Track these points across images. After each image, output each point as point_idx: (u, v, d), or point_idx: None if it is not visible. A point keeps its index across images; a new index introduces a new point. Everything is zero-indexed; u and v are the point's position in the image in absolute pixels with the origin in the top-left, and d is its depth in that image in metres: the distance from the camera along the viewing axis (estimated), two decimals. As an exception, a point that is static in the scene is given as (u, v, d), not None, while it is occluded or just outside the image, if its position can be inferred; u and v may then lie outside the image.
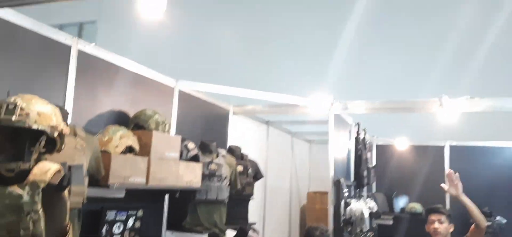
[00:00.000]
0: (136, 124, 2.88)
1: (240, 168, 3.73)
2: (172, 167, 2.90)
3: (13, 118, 1.49)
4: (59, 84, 2.46)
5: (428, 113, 5.05)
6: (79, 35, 8.50)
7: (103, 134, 2.56)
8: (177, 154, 2.97)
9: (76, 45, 2.52)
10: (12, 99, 1.54)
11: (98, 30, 7.91)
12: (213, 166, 3.38)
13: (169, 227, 3.33)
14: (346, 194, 3.72)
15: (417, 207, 5.62)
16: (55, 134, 1.61)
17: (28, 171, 1.55)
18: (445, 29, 3.57)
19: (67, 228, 1.66)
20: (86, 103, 2.66)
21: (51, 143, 1.67)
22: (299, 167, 6.07)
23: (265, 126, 5.11)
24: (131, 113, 3.00)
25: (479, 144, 5.63)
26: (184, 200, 3.25)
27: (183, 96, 3.57)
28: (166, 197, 3.33)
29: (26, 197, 1.48)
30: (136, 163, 2.62)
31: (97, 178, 2.36)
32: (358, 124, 4.62)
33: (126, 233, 2.85)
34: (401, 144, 5.74)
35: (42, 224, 1.50)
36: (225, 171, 3.45)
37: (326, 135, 6.12)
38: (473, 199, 5.04)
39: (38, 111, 1.55)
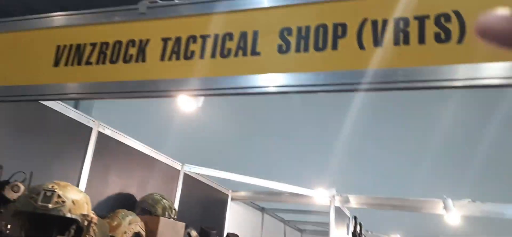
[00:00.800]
0: (143, 208, 2.86)
1: (237, 257, 3.66)
2: (176, 254, 2.84)
3: (50, 205, 1.49)
4: (77, 164, 2.47)
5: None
6: (75, 105, 8.51)
7: (112, 219, 2.52)
8: (180, 242, 2.93)
9: (97, 127, 2.56)
10: (50, 186, 1.55)
11: (94, 102, 7.95)
12: (213, 255, 3.31)
13: None
14: None
15: None
16: (86, 223, 1.60)
17: (56, 260, 1.53)
18: (444, 128, 3.74)
19: None
20: (99, 184, 2.66)
21: (78, 231, 1.66)
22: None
23: (260, 213, 5.08)
24: (138, 194, 2.98)
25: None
26: None
27: (187, 179, 3.59)
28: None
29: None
30: (143, 250, 2.56)
31: (104, 264, 2.30)
32: (355, 217, 4.64)
33: None
34: (393, 240, 5.72)
35: None
36: (225, 261, 3.38)
37: (318, 225, 6.14)
38: None
39: (73, 200, 1.57)
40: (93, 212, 1.68)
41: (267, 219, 5.20)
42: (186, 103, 2.38)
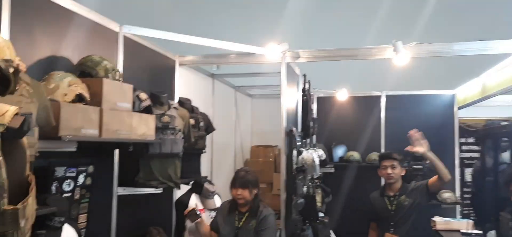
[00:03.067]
0: (82, 71, 2.59)
1: (192, 121, 3.58)
2: (125, 119, 2.67)
3: (-42, 48, 1.22)
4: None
5: (367, 64, 5.25)
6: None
7: (48, 81, 2.27)
8: (130, 105, 2.75)
9: (10, -23, 2.16)
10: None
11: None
12: (165, 118, 3.20)
13: (120, 183, 3.12)
14: (298, 143, 3.74)
15: (355, 155, 5.89)
16: (11, 71, 1.36)
17: (-21, 114, 1.30)
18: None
19: (29, 179, 1.44)
20: (24, 47, 2.32)
21: (2, 83, 1.42)
22: (242, 121, 6.03)
23: (210, 79, 4.95)
24: (74, 60, 2.69)
25: (412, 93, 5.98)
26: (134, 154, 3.05)
27: (128, 43, 3.29)
28: (116, 151, 3.10)
29: (-19, 143, 1.25)
30: (88, 114, 2.37)
31: (45, 130, 2.10)
32: (304, 75, 4.64)
33: (77, 191, 2.61)
34: (342, 95, 5.91)
35: (3, 172, 1.28)
36: (179, 124, 3.29)
37: (267, 88, 6.17)
38: (406, 145, 5.41)
39: (-12, 42, 1.30)
40: (20, 59, 1.42)
41: (217, 85, 5.11)
42: None
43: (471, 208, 5.82)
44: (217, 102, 5.02)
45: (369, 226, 3.70)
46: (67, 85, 2.29)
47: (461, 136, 6.08)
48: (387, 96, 6.08)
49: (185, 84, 4.17)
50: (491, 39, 3.58)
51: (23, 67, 1.41)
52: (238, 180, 3.18)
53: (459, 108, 5.96)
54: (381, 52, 3.46)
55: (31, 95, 1.90)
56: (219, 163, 4.98)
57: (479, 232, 3.95)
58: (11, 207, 1.28)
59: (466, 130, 6.44)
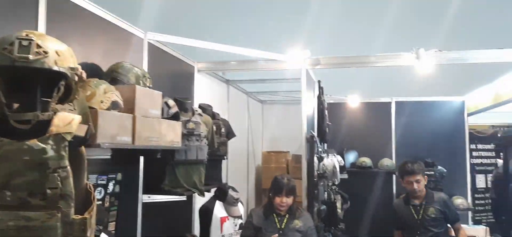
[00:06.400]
0: (113, 78, 2.58)
1: (214, 127, 3.57)
2: (155, 126, 2.66)
3: (30, 57, 1.21)
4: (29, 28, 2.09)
5: (376, 70, 5.26)
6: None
7: (84, 88, 2.24)
8: (159, 112, 2.73)
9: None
10: (23, 34, 1.24)
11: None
12: (191, 125, 3.18)
13: (146, 191, 3.10)
14: (320, 150, 3.74)
15: (367, 161, 5.89)
16: (76, 78, 1.34)
17: (46, 123, 1.29)
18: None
19: (89, 187, 1.43)
20: (59, 53, 2.31)
21: (67, 89, 1.40)
22: (253, 127, 6.02)
23: (225, 85, 4.94)
24: (103, 66, 2.68)
25: (422, 99, 6.01)
26: (160, 161, 3.03)
27: (152, 49, 3.29)
28: (141, 158, 3.08)
29: (50, 152, 1.23)
30: (122, 121, 2.35)
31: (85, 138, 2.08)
32: (319, 81, 4.65)
33: (107, 198, 2.60)
34: (353, 102, 5.92)
35: (71, 181, 1.27)
36: (203, 130, 3.27)
37: (278, 94, 6.18)
38: (417, 151, 5.41)
39: (57, 50, 1.28)
40: (80, 66, 1.41)
41: (232, 91, 5.10)
42: None
43: (483, 214, 5.84)
44: (232, 108, 5.01)
45: (395, 235, 3.66)
46: (103, 92, 2.27)
47: (471, 142, 6.11)
48: (397, 103, 6.11)
49: (203, 90, 4.17)
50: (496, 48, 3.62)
51: (85, 75, 1.39)
52: (285, 188, 3.08)
53: (469, 115, 5.99)
54: (402, 59, 3.48)
55: (74, 102, 1.88)
56: (235, 169, 4.96)
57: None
58: (80, 216, 1.27)
59: (478, 136, 6.47)
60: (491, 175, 6.24)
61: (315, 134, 4.53)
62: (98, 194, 2.51)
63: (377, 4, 3.52)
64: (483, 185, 6.31)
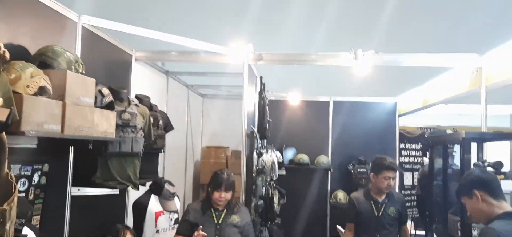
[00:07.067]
0: (42, 61, 2.40)
1: (151, 119, 3.45)
2: (87, 114, 2.51)
3: None
4: None
5: (316, 69, 5.39)
6: None
7: (8, 71, 2.06)
8: (92, 100, 2.59)
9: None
10: None
11: None
12: (126, 116, 3.05)
13: (75, 183, 2.92)
14: (260, 145, 3.75)
15: (305, 158, 6.03)
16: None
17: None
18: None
19: (9, 177, 1.31)
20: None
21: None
22: (193, 121, 5.93)
23: (164, 77, 4.81)
24: (32, 49, 2.48)
25: (357, 100, 6.25)
26: (92, 153, 2.87)
27: (86, 34, 3.10)
28: (71, 149, 2.90)
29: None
30: (51, 108, 2.20)
31: (6, 123, 1.91)
32: (261, 77, 4.67)
33: (31, 190, 2.42)
34: (293, 99, 6.02)
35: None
36: (139, 122, 3.15)
37: (219, 88, 6.13)
38: (351, 149, 5.60)
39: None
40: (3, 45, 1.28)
41: (172, 83, 4.97)
42: None
43: (409, 209, 6.19)
44: (171, 100, 4.89)
45: (347, 227, 3.60)
46: (29, 76, 2.10)
47: (400, 142, 6.47)
48: (334, 102, 6.31)
49: (140, 80, 4.02)
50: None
51: (8, 55, 1.26)
52: (224, 183, 3.03)
53: (400, 116, 6.34)
54: (341, 58, 3.58)
55: (-6, 86, 1.72)
56: (172, 163, 4.85)
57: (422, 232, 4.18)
58: (-3, 208, 1.16)
59: (407, 136, 6.85)
60: (417, 173, 6.65)
61: (256, 130, 4.56)
62: (21, 186, 2.32)
63: (320, 3, 3.58)
64: (410, 183, 6.71)
